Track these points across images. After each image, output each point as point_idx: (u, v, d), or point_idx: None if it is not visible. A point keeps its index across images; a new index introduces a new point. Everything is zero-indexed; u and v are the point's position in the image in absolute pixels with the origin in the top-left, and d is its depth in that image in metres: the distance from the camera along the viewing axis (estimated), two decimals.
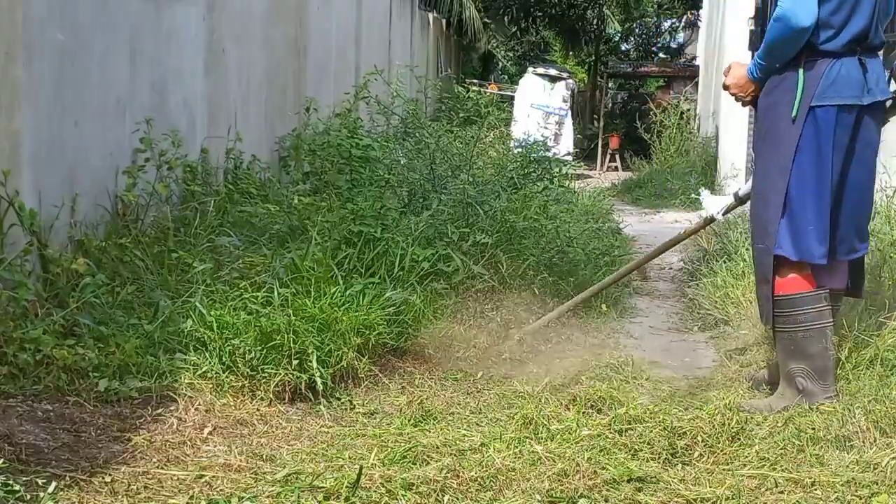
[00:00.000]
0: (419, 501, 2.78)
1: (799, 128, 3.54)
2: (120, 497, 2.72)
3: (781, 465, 3.09)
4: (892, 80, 3.62)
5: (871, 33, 3.56)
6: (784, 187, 3.57)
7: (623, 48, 29.10)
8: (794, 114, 3.53)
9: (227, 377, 3.54)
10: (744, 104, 3.83)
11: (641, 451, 3.17)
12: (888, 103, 3.65)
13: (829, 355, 3.64)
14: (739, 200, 4.09)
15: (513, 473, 2.94)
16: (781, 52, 3.55)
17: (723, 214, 4.19)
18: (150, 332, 3.73)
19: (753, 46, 3.77)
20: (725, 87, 3.81)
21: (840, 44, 3.53)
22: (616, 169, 18.84)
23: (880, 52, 3.62)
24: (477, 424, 3.49)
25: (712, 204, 4.16)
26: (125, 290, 4.02)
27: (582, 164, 14.87)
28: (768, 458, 3.13)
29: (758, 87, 3.69)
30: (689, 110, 15.92)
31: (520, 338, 4.59)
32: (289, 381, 3.61)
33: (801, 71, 3.54)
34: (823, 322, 3.64)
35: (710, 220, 4.25)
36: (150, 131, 4.95)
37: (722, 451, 3.20)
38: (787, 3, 3.46)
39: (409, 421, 3.50)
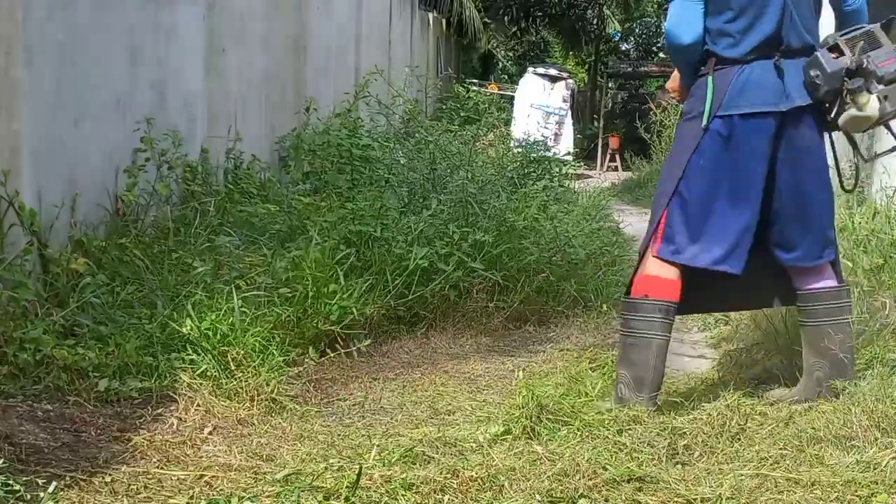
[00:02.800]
0: (419, 501, 2.78)
1: (700, 134, 3.53)
2: (120, 497, 2.72)
3: (781, 465, 3.09)
4: (807, 89, 3.51)
5: (782, 37, 3.51)
6: (672, 189, 3.57)
7: (623, 48, 29.11)
8: (704, 122, 3.51)
9: (225, 380, 3.54)
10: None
11: (641, 451, 3.17)
12: (833, 114, 3.53)
13: (649, 368, 3.56)
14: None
15: (513, 473, 2.94)
16: (678, 62, 3.63)
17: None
18: (150, 333, 3.73)
19: None
20: (670, 90, 3.87)
21: (744, 51, 3.50)
22: (616, 169, 18.85)
23: (806, 55, 3.54)
24: (478, 423, 3.49)
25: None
26: (125, 291, 4.02)
27: (582, 163, 14.89)
28: (768, 458, 3.13)
29: (687, 90, 3.70)
30: None
31: None
32: (289, 381, 3.62)
33: (709, 80, 3.53)
34: (651, 334, 3.56)
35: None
36: (150, 131, 4.95)
37: (722, 451, 3.20)
38: (670, 19, 3.52)
39: (409, 420, 3.50)
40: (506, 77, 27.19)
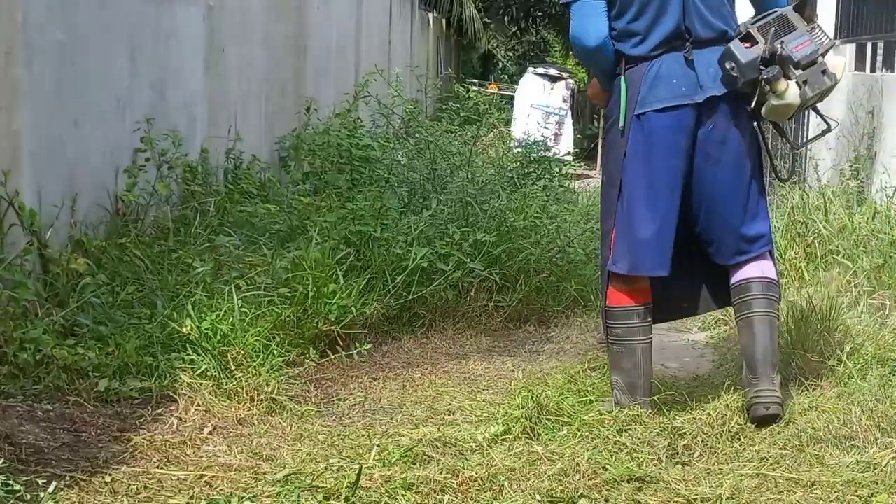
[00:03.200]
0: (419, 501, 2.78)
1: (626, 137, 3.48)
2: (120, 497, 2.72)
3: (781, 465, 3.09)
4: (724, 83, 3.43)
5: (688, 28, 3.44)
6: (616, 197, 3.53)
7: None
8: (621, 123, 3.48)
9: (225, 380, 3.53)
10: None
11: (641, 451, 3.17)
12: (753, 105, 3.46)
13: (639, 373, 3.57)
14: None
15: (513, 473, 2.94)
16: (588, 65, 3.61)
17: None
18: (150, 333, 3.73)
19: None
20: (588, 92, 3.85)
21: (650, 47, 3.46)
22: None
23: (722, 44, 3.44)
24: (478, 423, 3.49)
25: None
26: (125, 291, 4.02)
27: (582, 163, 14.87)
28: (768, 458, 3.13)
29: (608, 95, 3.63)
30: None
31: None
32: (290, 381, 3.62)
33: (622, 80, 3.49)
34: (634, 339, 3.57)
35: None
36: (150, 131, 4.95)
37: (722, 451, 3.21)
38: (574, 24, 3.45)
39: (409, 420, 3.50)
40: (506, 77, 27.16)
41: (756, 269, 3.57)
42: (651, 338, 3.64)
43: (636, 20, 3.46)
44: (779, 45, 3.38)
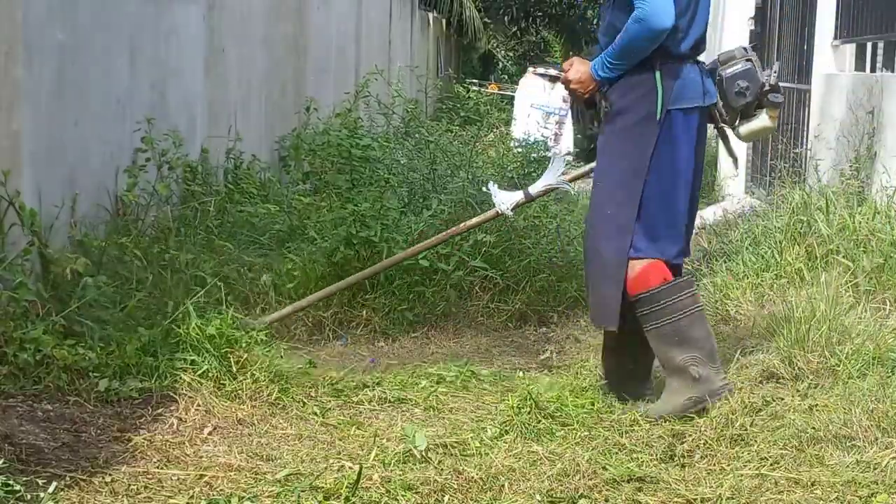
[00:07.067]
0: (419, 501, 2.78)
1: (657, 130, 3.57)
2: (120, 497, 2.72)
3: (781, 465, 3.09)
4: (729, 98, 3.68)
5: (704, 39, 3.68)
6: (640, 189, 3.58)
7: None
8: (658, 116, 3.55)
9: (227, 381, 3.53)
10: (581, 101, 3.80)
11: (641, 451, 3.17)
12: (736, 123, 3.75)
13: (713, 337, 3.70)
14: (530, 198, 4.11)
15: (513, 473, 2.95)
16: (638, 54, 3.55)
17: (511, 210, 4.12)
18: (151, 334, 3.72)
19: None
20: (566, 82, 3.77)
21: (686, 48, 3.61)
22: None
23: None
24: (479, 423, 3.49)
25: (502, 199, 4.10)
26: (125, 291, 4.02)
27: (582, 163, 14.87)
28: (768, 458, 3.13)
29: (597, 86, 3.68)
30: None
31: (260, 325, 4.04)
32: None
33: (657, 74, 3.56)
34: (699, 305, 3.69)
35: (498, 215, 4.18)
36: (151, 131, 4.95)
37: (722, 451, 3.20)
38: (648, 4, 3.47)
39: (409, 420, 3.50)
40: (506, 77, 27.17)
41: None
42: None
43: (681, 17, 3.57)
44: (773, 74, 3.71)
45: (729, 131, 3.83)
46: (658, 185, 3.59)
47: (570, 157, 11.48)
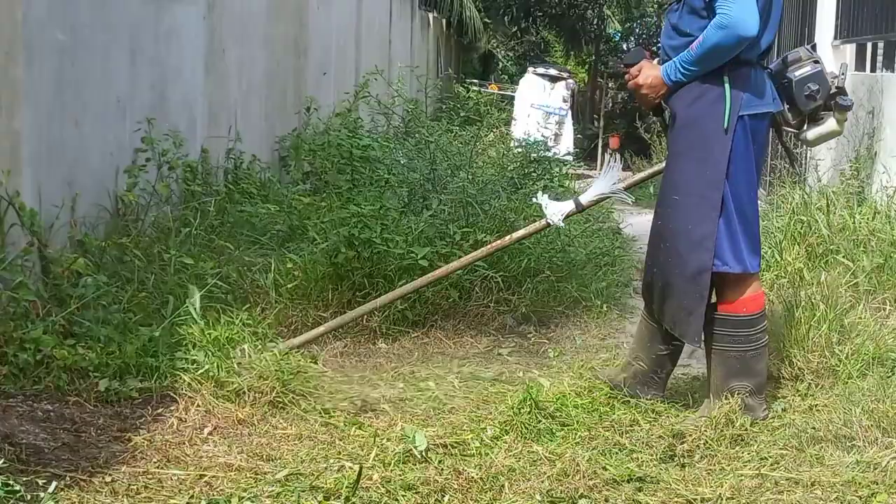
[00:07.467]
0: (419, 501, 2.78)
1: (730, 138, 3.48)
2: (120, 497, 2.73)
3: (781, 465, 3.09)
4: (798, 101, 3.61)
5: (774, 44, 3.62)
6: (718, 200, 3.50)
7: (623, 48, 29.08)
8: (725, 124, 3.47)
9: (227, 381, 3.53)
10: (649, 107, 3.74)
11: (641, 451, 3.17)
12: (813, 131, 3.68)
13: (766, 371, 3.68)
14: (581, 207, 3.98)
15: (513, 473, 2.95)
16: (718, 60, 3.46)
17: (562, 221, 4.04)
18: (151, 334, 3.72)
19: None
20: (635, 86, 3.67)
21: (758, 53, 3.54)
22: None
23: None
24: (479, 423, 3.49)
25: (553, 209, 4.04)
26: (125, 291, 4.02)
27: (582, 163, 14.88)
28: (768, 458, 3.14)
29: (668, 91, 3.60)
30: None
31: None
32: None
33: (726, 81, 3.49)
34: (766, 340, 3.67)
35: (547, 226, 4.10)
36: (151, 131, 4.95)
37: (722, 451, 3.21)
38: (734, 10, 3.37)
39: (409, 420, 3.50)
40: (506, 77, 27.15)
41: None
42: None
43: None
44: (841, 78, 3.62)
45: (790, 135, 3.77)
46: (735, 195, 3.52)
47: (569, 157, 11.44)
